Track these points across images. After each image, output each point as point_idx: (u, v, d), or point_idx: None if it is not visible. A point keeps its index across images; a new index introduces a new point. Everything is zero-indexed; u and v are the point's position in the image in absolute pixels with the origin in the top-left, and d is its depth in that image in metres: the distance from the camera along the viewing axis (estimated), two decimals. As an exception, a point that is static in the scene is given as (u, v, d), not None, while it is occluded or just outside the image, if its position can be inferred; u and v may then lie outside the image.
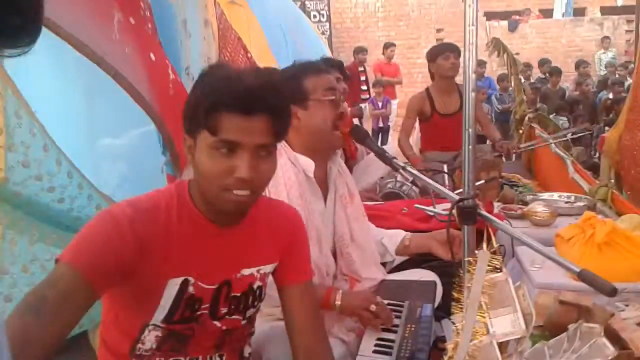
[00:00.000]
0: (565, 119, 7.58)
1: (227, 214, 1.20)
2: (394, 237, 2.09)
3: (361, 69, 9.12)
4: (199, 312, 1.22)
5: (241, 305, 1.28)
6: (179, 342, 1.23)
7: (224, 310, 1.25)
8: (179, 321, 1.20)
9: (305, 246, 1.40)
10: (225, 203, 1.14)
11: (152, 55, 1.84)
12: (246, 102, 1.09)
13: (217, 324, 1.26)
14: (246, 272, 1.27)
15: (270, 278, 1.36)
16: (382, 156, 1.75)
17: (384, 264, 2.06)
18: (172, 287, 1.17)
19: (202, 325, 1.23)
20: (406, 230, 2.28)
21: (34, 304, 0.99)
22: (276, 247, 1.33)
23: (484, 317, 1.18)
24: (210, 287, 1.22)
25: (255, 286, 1.30)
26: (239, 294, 1.27)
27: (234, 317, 1.28)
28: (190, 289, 1.19)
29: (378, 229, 2.16)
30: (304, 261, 1.38)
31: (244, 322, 1.31)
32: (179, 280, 1.17)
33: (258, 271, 1.30)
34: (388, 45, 10.09)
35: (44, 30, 1.45)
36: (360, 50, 9.37)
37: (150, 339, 1.20)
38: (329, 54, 6.47)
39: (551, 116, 7.09)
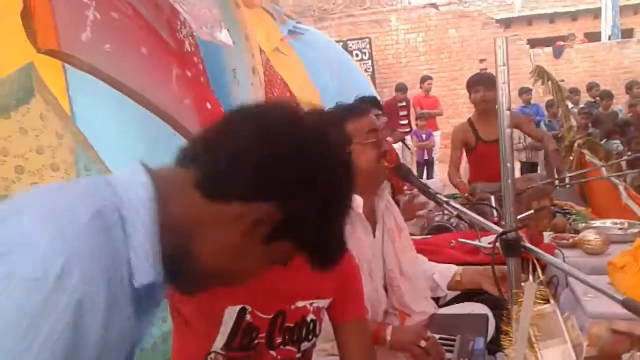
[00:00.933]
0: (618, 142, 7.37)
1: None
2: (446, 272, 2.10)
3: (402, 104, 9.28)
4: (256, 341, 1.28)
5: (294, 336, 1.34)
6: None
7: (278, 339, 1.31)
8: (238, 349, 1.27)
9: (360, 285, 1.46)
10: None
11: (208, 104, 1.97)
12: None
13: (273, 353, 1.31)
14: (300, 304, 1.33)
15: (325, 314, 1.42)
16: (426, 192, 1.79)
17: (436, 299, 2.08)
18: (230, 315, 1.24)
19: (259, 354, 1.29)
20: (456, 264, 2.30)
21: None
22: (330, 283, 1.38)
23: (534, 349, 1.19)
24: (267, 317, 1.29)
25: (308, 319, 1.35)
26: (292, 325, 1.33)
27: (288, 347, 1.33)
28: (248, 317, 1.26)
29: (430, 263, 2.18)
30: (358, 299, 1.44)
31: (298, 355, 1.36)
32: (237, 308, 1.25)
33: (311, 304, 1.35)
34: (425, 79, 10.24)
35: (109, 88, 1.57)
36: (400, 89, 9.63)
37: None
38: (374, 92, 6.58)
39: (603, 141, 6.92)
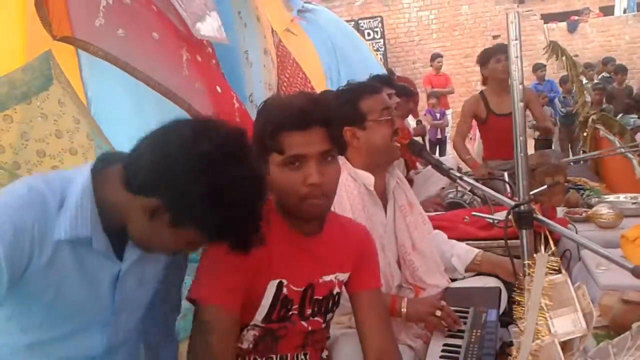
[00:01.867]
0: (635, 117, 7.27)
1: (308, 222, 1.36)
2: (464, 257, 2.12)
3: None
4: (290, 312, 1.37)
5: (322, 307, 1.43)
6: (272, 341, 1.37)
7: (309, 311, 1.40)
8: (276, 320, 1.35)
9: (375, 257, 1.54)
10: (305, 212, 1.31)
11: (218, 87, 1.99)
12: (300, 119, 1.27)
13: (304, 324, 1.40)
14: (326, 278, 1.42)
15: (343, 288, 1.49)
16: (439, 168, 1.81)
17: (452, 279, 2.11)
18: (271, 289, 1.33)
19: (293, 324, 1.38)
20: (469, 239, 2.33)
21: (200, 353, 1.21)
22: (349, 257, 1.46)
23: (545, 318, 1.22)
24: (299, 290, 1.37)
25: (334, 292, 1.44)
26: (321, 298, 1.42)
27: (316, 318, 1.42)
28: (284, 290, 1.34)
29: (450, 242, 2.19)
30: (373, 271, 1.52)
31: (323, 325, 1.45)
32: (276, 282, 1.33)
33: (336, 277, 1.44)
34: (435, 57, 10.14)
35: (124, 74, 1.62)
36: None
37: (248, 338, 1.35)
38: (384, 71, 6.55)
39: (619, 116, 6.84)
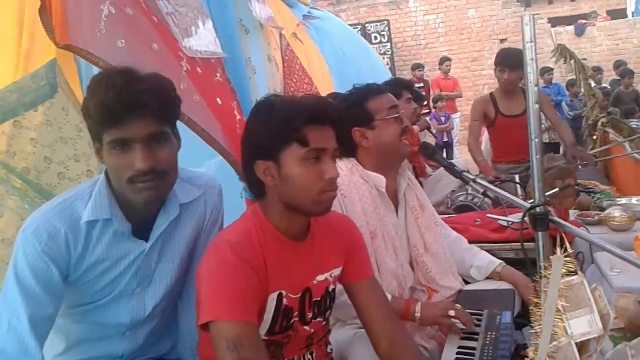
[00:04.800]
0: (636, 120, 7.23)
1: (318, 213, 1.37)
2: (484, 269, 2.06)
3: (419, 84, 9.20)
4: (292, 321, 1.37)
5: (322, 307, 1.44)
6: (277, 348, 1.38)
7: (310, 314, 1.41)
8: (279, 332, 1.36)
9: (363, 247, 1.55)
10: (323, 204, 1.32)
11: (218, 99, 2.01)
12: (321, 115, 1.30)
13: (307, 328, 1.41)
14: (320, 278, 1.42)
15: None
16: (452, 170, 1.82)
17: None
18: (271, 302, 1.33)
19: (296, 331, 1.39)
20: (480, 242, 2.32)
21: None
22: (340, 251, 1.47)
23: (561, 320, 1.22)
24: (296, 297, 1.37)
25: (330, 289, 1.46)
26: (319, 298, 1.42)
27: (318, 319, 1.43)
28: (284, 300, 1.34)
29: (471, 250, 2.14)
30: (365, 260, 1.53)
31: (324, 323, 1.47)
32: (275, 294, 1.33)
33: (331, 275, 1.45)
34: (443, 60, 10.14)
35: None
36: (416, 67, 9.59)
37: None
38: (390, 75, 6.56)
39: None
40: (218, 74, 2.15)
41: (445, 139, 8.94)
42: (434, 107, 9.12)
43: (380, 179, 1.85)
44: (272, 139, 1.28)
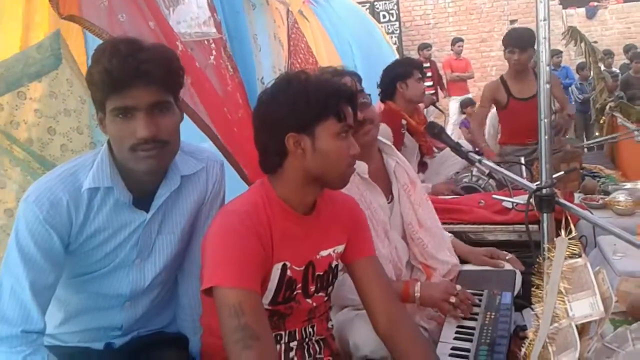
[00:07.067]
0: (640, 107, 7.14)
1: (339, 186, 1.42)
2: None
3: (426, 64, 9.09)
4: (295, 292, 1.39)
5: (324, 282, 1.46)
6: (279, 319, 1.41)
7: (312, 288, 1.43)
8: (282, 302, 1.38)
9: (366, 227, 1.58)
10: (345, 178, 1.38)
11: (206, 84, 2.03)
12: (353, 95, 1.38)
13: (309, 301, 1.43)
14: (324, 253, 1.45)
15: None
16: (458, 150, 1.80)
17: None
18: (276, 272, 1.35)
19: (298, 303, 1.41)
20: (484, 223, 2.32)
21: (241, 339, 1.16)
22: (343, 229, 1.50)
23: (563, 302, 1.21)
24: (300, 269, 1.39)
25: (333, 264, 1.48)
26: (322, 273, 1.45)
27: (320, 294, 1.46)
28: (288, 272, 1.36)
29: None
30: (368, 239, 1.55)
31: (326, 298, 1.49)
32: (280, 265, 1.35)
33: (334, 251, 1.47)
34: (456, 41, 10.01)
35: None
36: (423, 47, 9.49)
37: None
38: (396, 54, 6.50)
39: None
40: (212, 57, 2.14)
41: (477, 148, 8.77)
42: (463, 112, 8.96)
43: (363, 166, 1.84)
44: (310, 113, 1.31)
